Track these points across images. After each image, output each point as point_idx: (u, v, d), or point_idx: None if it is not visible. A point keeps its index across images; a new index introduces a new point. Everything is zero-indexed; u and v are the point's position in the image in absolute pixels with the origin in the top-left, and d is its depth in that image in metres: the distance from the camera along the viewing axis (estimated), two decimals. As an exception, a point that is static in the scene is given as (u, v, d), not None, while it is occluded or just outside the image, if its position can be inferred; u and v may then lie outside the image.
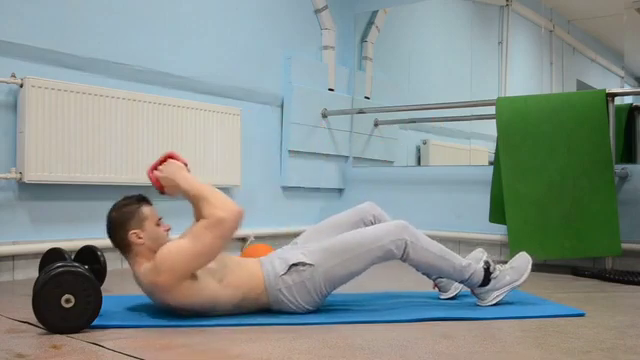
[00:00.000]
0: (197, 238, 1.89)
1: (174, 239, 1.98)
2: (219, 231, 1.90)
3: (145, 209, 1.98)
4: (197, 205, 2.00)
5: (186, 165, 2.06)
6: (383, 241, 2.05)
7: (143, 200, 2.00)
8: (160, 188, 2.05)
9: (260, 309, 2.03)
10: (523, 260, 2.25)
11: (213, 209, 1.91)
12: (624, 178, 3.25)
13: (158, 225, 1.99)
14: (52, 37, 2.84)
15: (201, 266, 1.91)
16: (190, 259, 1.88)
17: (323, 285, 2.02)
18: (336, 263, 2.02)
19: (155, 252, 1.90)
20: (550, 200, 3.13)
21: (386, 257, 2.07)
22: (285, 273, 2.00)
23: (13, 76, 2.68)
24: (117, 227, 1.96)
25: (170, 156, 2.07)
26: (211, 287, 1.93)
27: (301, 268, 2.01)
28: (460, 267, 2.14)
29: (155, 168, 2.06)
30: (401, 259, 2.09)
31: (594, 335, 1.84)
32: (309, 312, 2.04)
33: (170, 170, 2.03)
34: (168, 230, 2.01)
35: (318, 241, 2.13)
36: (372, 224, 2.23)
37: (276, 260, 2.05)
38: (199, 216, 2.00)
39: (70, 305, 1.72)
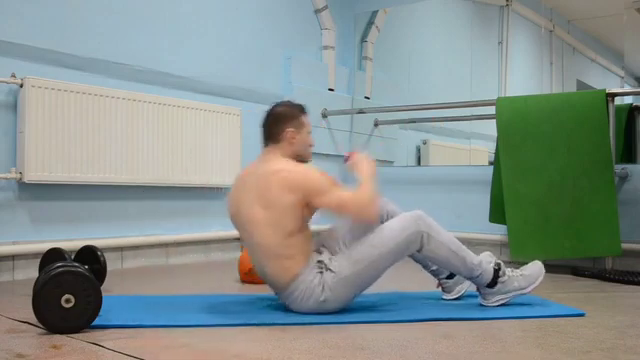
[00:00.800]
0: (336, 196, 2.02)
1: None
2: (350, 208, 2.04)
3: (305, 118, 2.17)
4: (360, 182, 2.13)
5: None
6: (401, 237, 2.06)
7: (305, 111, 2.19)
8: (349, 159, 2.23)
9: (277, 291, 2.08)
10: (535, 270, 2.24)
11: (365, 195, 2.04)
12: (624, 178, 3.25)
13: (308, 136, 2.16)
14: (52, 37, 2.84)
15: (316, 211, 2.07)
16: (322, 197, 2.01)
17: (346, 292, 2.03)
18: (359, 268, 2.03)
19: (296, 157, 2.10)
20: (550, 200, 3.13)
21: (406, 252, 2.10)
22: (318, 272, 2.03)
23: (13, 76, 2.68)
24: (278, 119, 2.13)
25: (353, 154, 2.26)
26: (300, 240, 2.04)
27: (330, 273, 2.02)
28: (471, 264, 2.14)
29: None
30: (418, 251, 2.11)
31: (594, 335, 1.84)
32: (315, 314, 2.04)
33: (364, 156, 2.19)
34: (312, 145, 2.19)
35: (340, 242, 2.15)
36: (386, 220, 2.22)
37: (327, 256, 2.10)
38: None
39: (70, 305, 1.72)
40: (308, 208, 2.04)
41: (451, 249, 2.12)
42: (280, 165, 2.05)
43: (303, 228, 2.04)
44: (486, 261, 2.20)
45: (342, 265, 2.03)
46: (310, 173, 2.05)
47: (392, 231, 2.08)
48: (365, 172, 2.12)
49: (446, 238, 2.12)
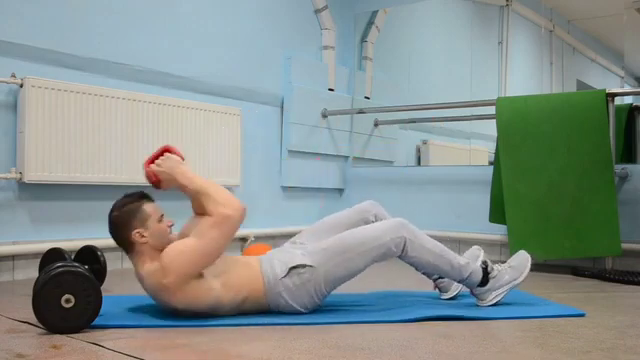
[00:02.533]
0: (204, 236, 1.89)
1: (175, 235, 1.98)
2: (226, 228, 1.91)
3: (147, 206, 1.95)
4: (197, 200, 2.00)
5: (182, 159, 2.04)
6: (382, 239, 2.04)
7: (145, 197, 1.98)
8: (156, 182, 2.02)
9: (260, 310, 2.03)
10: (522, 259, 2.24)
11: (218, 206, 1.91)
12: (624, 178, 3.25)
13: (161, 222, 1.97)
14: (52, 37, 2.84)
15: (207, 265, 1.91)
16: (198, 258, 1.88)
17: (323, 286, 2.02)
18: (336, 263, 2.02)
19: (159, 250, 1.90)
20: (550, 200, 3.13)
21: (385, 255, 2.07)
22: (285, 276, 2.00)
23: (13, 76, 2.68)
24: (119, 227, 1.94)
25: (166, 150, 2.05)
26: (215, 288, 1.93)
27: (301, 270, 2.00)
28: (458, 266, 2.14)
29: (152, 162, 2.04)
30: (400, 257, 2.09)
31: (594, 335, 1.84)
32: (309, 313, 2.03)
33: (168, 164, 2.01)
34: (171, 226, 1.99)
35: (318, 240, 2.13)
36: (373, 223, 2.22)
37: (275, 262, 2.04)
38: (199, 210, 2.00)
39: (70, 305, 1.72)
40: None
41: (436, 253, 2.11)
42: (147, 272, 1.91)
43: (199, 277, 1.91)
44: (473, 257, 2.19)
45: (321, 259, 2.01)
46: (173, 262, 1.85)
47: (374, 232, 2.07)
48: (186, 176, 1.97)
49: (429, 244, 2.11)
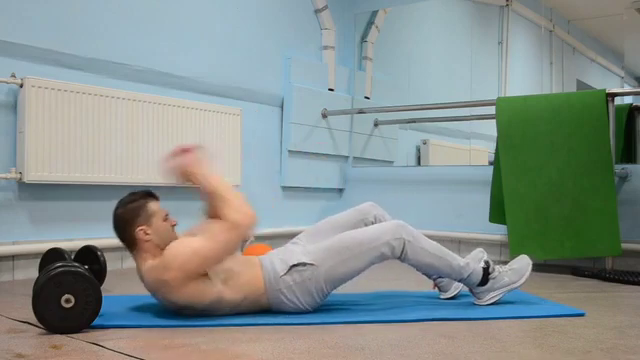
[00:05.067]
0: (212, 239, 1.89)
1: (180, 235, 1.99)
2: (235, 234, 1.91)
3: (152, 205, 1.97)
4: (212, 201, 2.01)
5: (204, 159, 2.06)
6: (382, 240, 2.05)
7: (150, 196, 2.00)
8: (181, 176, 2.03)
9: (260, 310, 2.03)
10: (523, 263, 2.26)
11: (231, 212, 1.91)
12: (624, 178, 3.25)
13: (165, 220, 1.98)
14: (52, 37, 2.84)
15: (211, 267, 1.92)
16: (202, 259, 1.88)
17: (324, 285, 2.02)
18: (336, 262, 2.02)
19: (161, 248, 1.91)
20: (550, 200, 3.13)
21: (385, 256, 2.07)
22: (286, 273, 2.00)
23: (13, 76, 2.68)
24: (124, 224, 1.95)
25: (185, 149, 2.07)
26: (216, 287, 1.93)
27: (301, 268, 2.01)
28: (458, 267, 2.14)
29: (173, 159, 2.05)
30: (399, 258, 2.09)
31: (594, 335, 1.84)
32: (309, 312, 2.04)
33: (188, 162, 2.02)
34: (174, 225, 2.00)
35: (318, 241, 2.13)
36: (373, 224, 2.23)
37: (276, 260, 2.05)
38: (212, 212, 2.02)
39: (70, 305, 1.72)
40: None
41: (435, 254, 2.12)
42: (147, 270, 1.92)
43: (202, 276, 1.91)
44: (475, 259, 2.20)
45: (321, 258, 2.01)
46: (176, 260, 1.86)
47: (373, 234, 2.07)
48: (209, 179, 1.99)
49: (428, 245, 2.12)
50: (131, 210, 1.95)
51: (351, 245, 2.05)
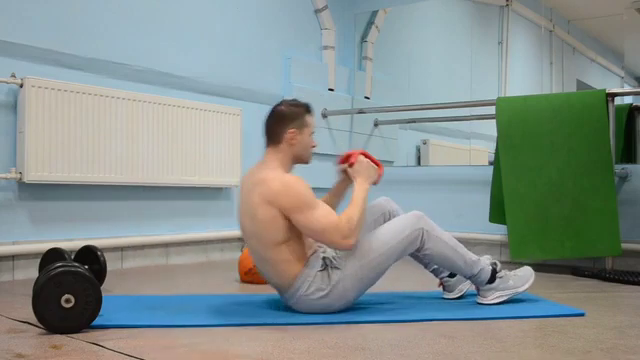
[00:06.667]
0: (326, 216, 1.95)
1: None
2: (329, 233, 1.95)
3: (309, 118, 2.10)
4: (343, 193, 2.24)
5: (378, 165, 2.16)
6: (403, 234, 2.07)
7: (310, 110, 2.12)
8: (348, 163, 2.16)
9: (282, 290, 2.06)
10: (527, 272, 2.31)
11: (350, 222, 1.97)
12: (624, 178, 3.25)
13: (311, 136, 2.10)
14: (52, 37, 2.84)
15: (301, 229, 1.99)
16: (308, 214, 1.96)
17: (351, 288, 2.03)
18: (362, 265, 2.03)
19: (293, 161, 2.07)
20: (550, 200, 3.13)
21: (407, 250, 2.10)
22: (321, 270, 2.02)
23: (13, 76, 2.68)
24: (280, 119, 2.07)
25: (363, 153, 2.17)
26: (295, 240, 2.01)
27: (332, 271, 2.02)
28: (471, 261, 2.17)
29: (347, 158, 2.18)
30: (418, 249, 2.11)
31: (594, 335, 1.84)
32: (333, 312, 2.04)
33: (360, 169, 2.12)
34: (314, 146, 2.12)
35: None
36: (388, 219, 2.25)
37: (328, 250, 2.08)
38: (338, 190, 2.25)
39: (70, 305, 1.72)
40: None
41: (451, 246, 2.14)
42: (267, 174, 2.01)
43: (293, 236, 2.00)
44: (484, 260, 2.22)
45: (348, 262, 2.03)
46: (293, 188, 1.97)
47: (394, 229, 2.09)
48: (361, 187, 2.08)
49: (445, 236, 2.15)
50: (292, 112, 2.08)
51: (376, 247, 2.06)
